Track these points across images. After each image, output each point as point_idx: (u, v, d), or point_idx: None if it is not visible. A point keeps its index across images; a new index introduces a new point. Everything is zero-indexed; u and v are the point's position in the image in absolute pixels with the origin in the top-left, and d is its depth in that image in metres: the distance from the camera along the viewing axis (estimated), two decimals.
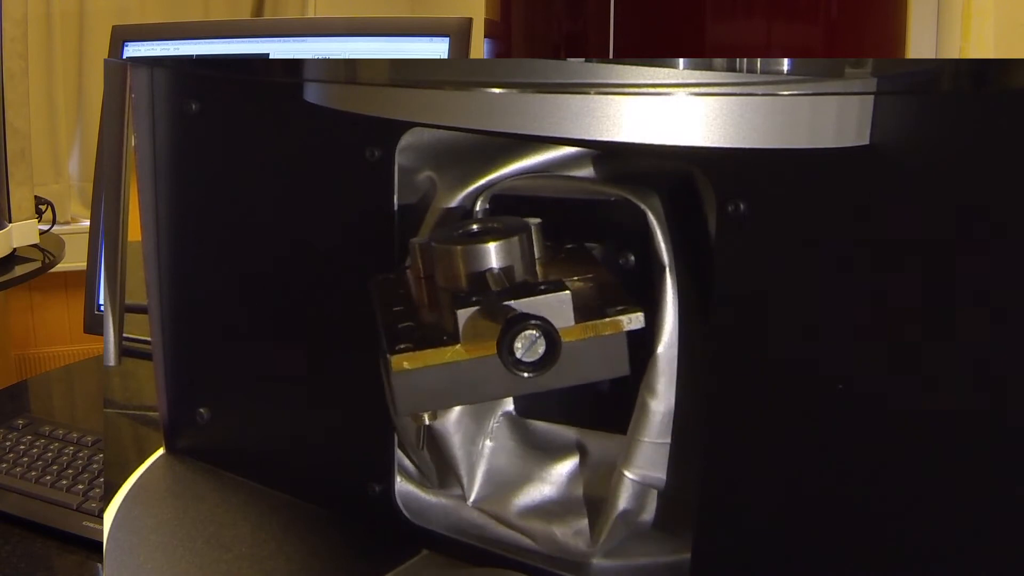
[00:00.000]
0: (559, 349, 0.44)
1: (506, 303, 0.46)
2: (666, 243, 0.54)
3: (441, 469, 0.63)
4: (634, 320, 0.47)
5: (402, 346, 0.47)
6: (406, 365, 0.46)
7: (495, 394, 0.49)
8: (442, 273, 0.51)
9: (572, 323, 0.46)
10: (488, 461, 0.61)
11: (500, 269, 0.50)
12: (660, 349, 0.54)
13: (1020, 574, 0.45)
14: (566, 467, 0.61)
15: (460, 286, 0.50)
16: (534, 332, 0.44)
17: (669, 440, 0.55)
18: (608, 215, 0.56)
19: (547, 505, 0.60)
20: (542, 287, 0.47)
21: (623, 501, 0.56)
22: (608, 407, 0.59)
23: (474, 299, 0.46)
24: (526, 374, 0.44)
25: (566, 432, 0.61)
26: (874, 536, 0.48)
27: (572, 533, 0.59)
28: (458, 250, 0.50)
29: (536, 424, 0.62)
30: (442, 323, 0.49)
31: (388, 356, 0.46)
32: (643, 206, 0.54)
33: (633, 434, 0.55)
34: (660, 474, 0.55)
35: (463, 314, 0.46)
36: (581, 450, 0.61)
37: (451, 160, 0.60)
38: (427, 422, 0.52)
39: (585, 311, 0.47)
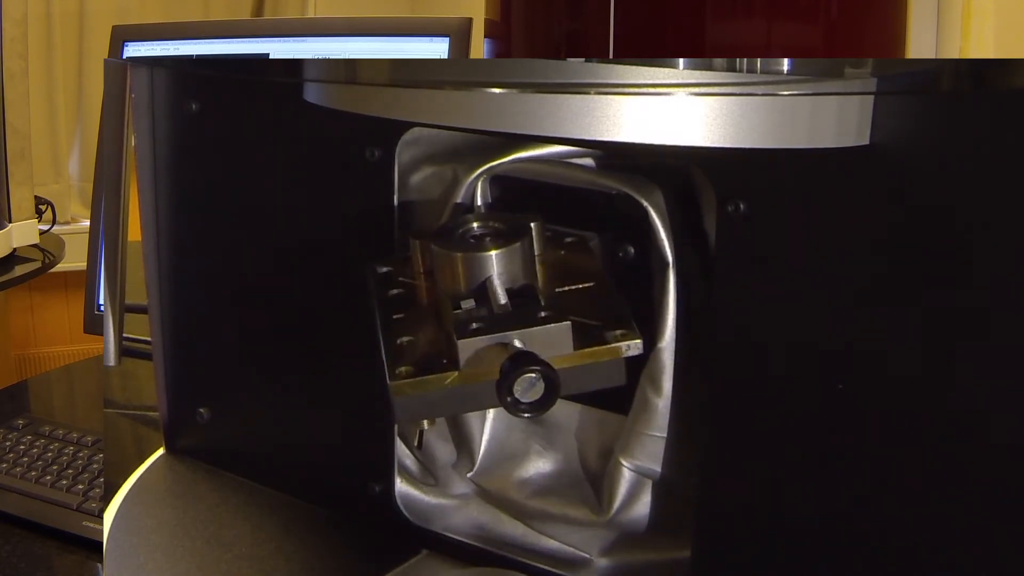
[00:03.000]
0: (558, 392, 0.45)
1: (507, 333, 0.46)
2: (668, 240, 0.54)
3: (457, 441, 0.63)
4: (632, 347, 0.47)
5: (402, 369, 0.47)
6: (407, 391, 0.47)
7: (492, 404, 0.49)
8: (442, 276, 0.51)
9: (571, 351, 0.46)
10: (489, 432, 0.61)
11: (500, 275, 0.50)
12: (662, 344, 0.54)
13: (1020, 574, 0.45)
14: (562, 441, 0.61)
15: (460, 290, 0.50)
16: (533, 376, 0.44)
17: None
18: (609, 206, 0.56)
19: (544, 480, 0.60)
20: (543, 315, 0.47)
21: (623, 489, 0.57)
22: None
23: (475, 327, 0.47)
24: (525, 414, 0.45)
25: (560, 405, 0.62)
26: (873, 536, 0.48)
27: (571, 510, 0.59)
28: (459, 257, 0.50)
29: None
30: (442, 342, 0.49)
31: (389, 382, 0.47)
32: (645, 202, 0.54)
33: (633, 426, 0.56)
34: (657, 466, 0.56)
35: (464, 345, 0.46)
36: (576, 425, 0.61)
37: (462, 153, 0.60)
38: (425, 427, 0.52)
39: (584, 334, 0.47)
